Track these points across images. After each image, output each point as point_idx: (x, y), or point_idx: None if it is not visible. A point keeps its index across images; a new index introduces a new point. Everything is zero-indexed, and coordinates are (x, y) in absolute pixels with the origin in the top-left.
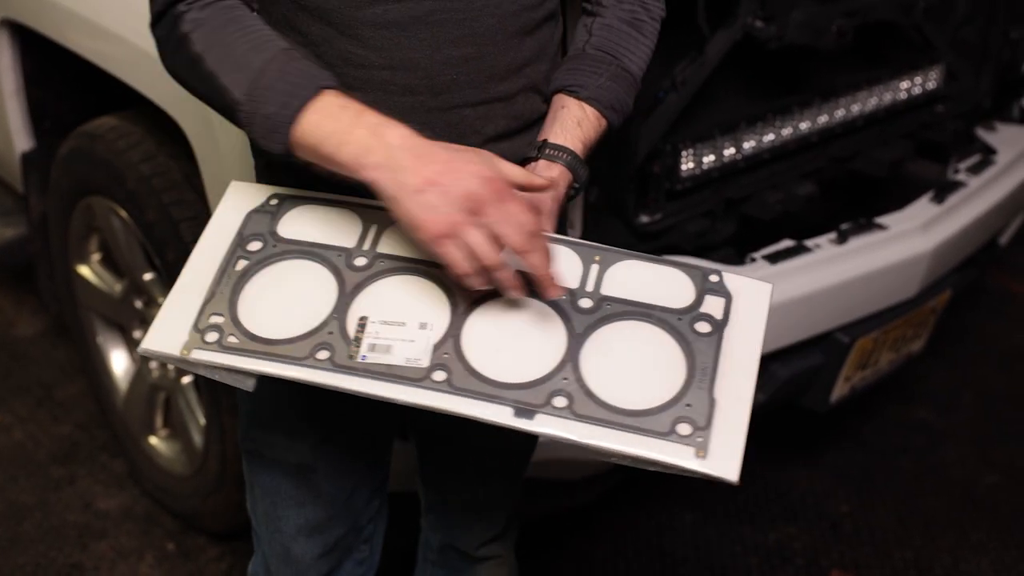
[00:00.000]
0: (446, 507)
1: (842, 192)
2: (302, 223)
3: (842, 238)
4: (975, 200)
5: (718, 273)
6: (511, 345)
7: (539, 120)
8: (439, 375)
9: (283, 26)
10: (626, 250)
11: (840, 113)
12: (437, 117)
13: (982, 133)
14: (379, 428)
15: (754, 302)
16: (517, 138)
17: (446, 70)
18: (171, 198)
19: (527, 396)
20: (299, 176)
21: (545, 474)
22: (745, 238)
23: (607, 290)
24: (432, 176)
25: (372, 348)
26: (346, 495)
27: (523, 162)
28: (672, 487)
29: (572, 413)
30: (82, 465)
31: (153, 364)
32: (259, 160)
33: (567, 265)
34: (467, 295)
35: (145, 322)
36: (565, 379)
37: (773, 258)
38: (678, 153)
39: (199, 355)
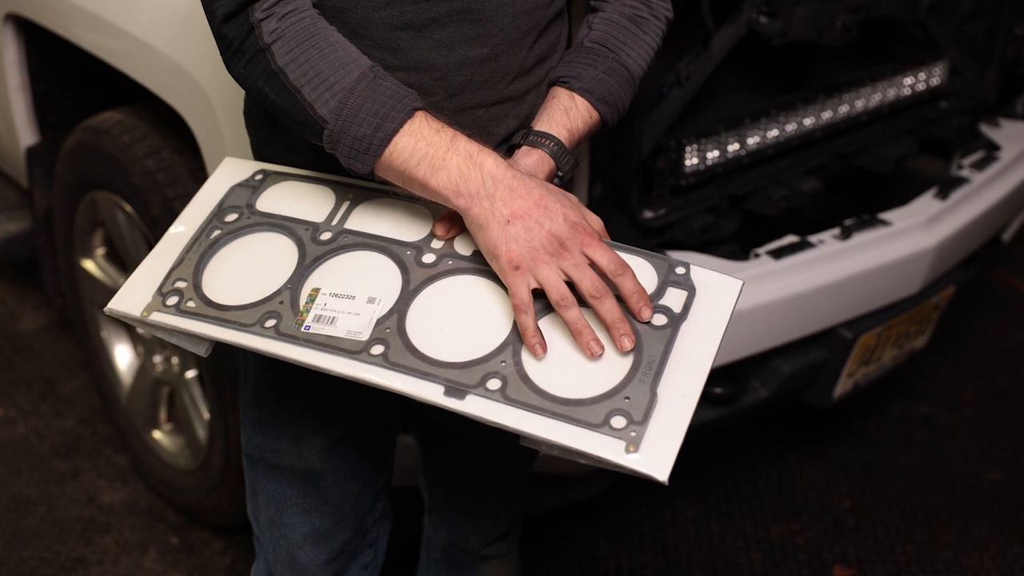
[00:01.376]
0: (451, 507)
1: (846, 188)
2: (280, 197)
3: (846, 234)
4: (979, 196)
5: (685, 266)
6: (456, 324)
7: None
8: (376, 349)
9: None
10: None
11: (844, 109)
12: (451, 119)
13: (986, 129)
14: (383, 427)
15: (720, 298)
16: None
17: (461, 71)
18: (176, 192)
19: (461, 376)
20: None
21: (548, 469)
22: (749, 234)
23: None
24: (522, 211)
25: (317, 319)
26: (352, 499)
27: (509, 150)
28: (675, 482)
29: (503, 397)
30: (86, 459)
31: (157, 358)
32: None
33: None
34: (421, 273)
35: None
36: (503, 362)
37: (777, 254)
38: (682, 149)
39: (157, 317)
